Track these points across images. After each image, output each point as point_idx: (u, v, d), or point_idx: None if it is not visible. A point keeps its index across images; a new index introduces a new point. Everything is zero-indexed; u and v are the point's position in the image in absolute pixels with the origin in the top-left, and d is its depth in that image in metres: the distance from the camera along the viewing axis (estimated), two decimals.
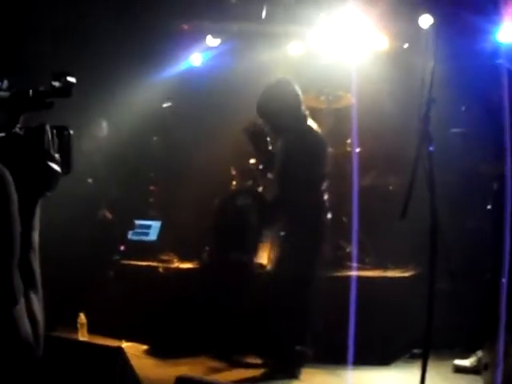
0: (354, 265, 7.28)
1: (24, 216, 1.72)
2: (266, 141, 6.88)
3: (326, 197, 6.77)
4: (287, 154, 6.63)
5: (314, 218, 6.70)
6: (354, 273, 7.17)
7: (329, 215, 6.93)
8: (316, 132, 6.75)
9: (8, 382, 1.65)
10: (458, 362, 6.30)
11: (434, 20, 8.05)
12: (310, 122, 6.78)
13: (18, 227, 1.66)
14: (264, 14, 8.93)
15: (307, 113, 6.78)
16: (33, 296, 1.75)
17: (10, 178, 1.66)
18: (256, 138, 6.92)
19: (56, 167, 1.97)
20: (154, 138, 9.71)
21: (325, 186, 6.79)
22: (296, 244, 6.55)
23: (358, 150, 8.12)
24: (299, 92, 6.78)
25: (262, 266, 6.98)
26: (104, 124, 9.02)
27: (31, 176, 1.89)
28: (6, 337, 1.61)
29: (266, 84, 6.92)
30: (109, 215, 8.74)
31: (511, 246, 5.15)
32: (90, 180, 8.62)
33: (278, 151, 6.73)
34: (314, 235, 6.73)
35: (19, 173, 1.75)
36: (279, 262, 6.63)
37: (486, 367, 5.28)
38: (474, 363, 6.18)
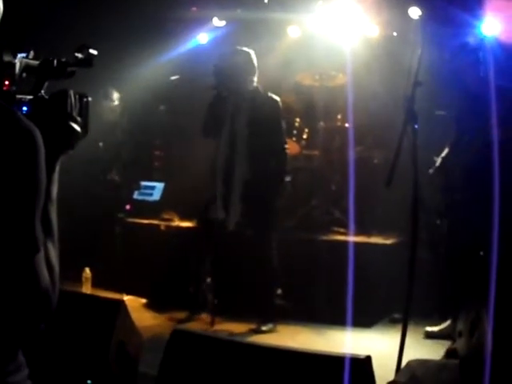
0: (351, 231, 6.66)
1: (46, 171, 1.65)
2: None
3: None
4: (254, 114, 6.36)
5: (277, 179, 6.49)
6: (351, 238, 6.61)
7: (288, 178, 6.68)
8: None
9: (27, 328, 1.60)
10: (429, 328, 5.93)
11: (422, 12, 7.69)
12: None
13: (44, 182, 1.60)
14: None
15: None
16: (50, 245, 1.70)
17: (40, 138, 1.60)
18: None
19: (77, 128, 1.96)
20: (161, 107, 9.28)
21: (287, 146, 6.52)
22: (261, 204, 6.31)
23: (347, 125, 7.76)
24: (254, 62, 6.50)
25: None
26: (115, 94, 8.65)
27: (55, 135, 1.87)
28: (28, 283, 1.55)
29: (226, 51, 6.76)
30: (116, 176, 8.43)
31: (499, 223, 4.85)
32: (100, 144, 8.17)
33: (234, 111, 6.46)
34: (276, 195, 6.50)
35: (44, 131, 1.67)
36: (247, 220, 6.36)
37: (460, 334, 4.97)
38: (445, 329, 5.87)
